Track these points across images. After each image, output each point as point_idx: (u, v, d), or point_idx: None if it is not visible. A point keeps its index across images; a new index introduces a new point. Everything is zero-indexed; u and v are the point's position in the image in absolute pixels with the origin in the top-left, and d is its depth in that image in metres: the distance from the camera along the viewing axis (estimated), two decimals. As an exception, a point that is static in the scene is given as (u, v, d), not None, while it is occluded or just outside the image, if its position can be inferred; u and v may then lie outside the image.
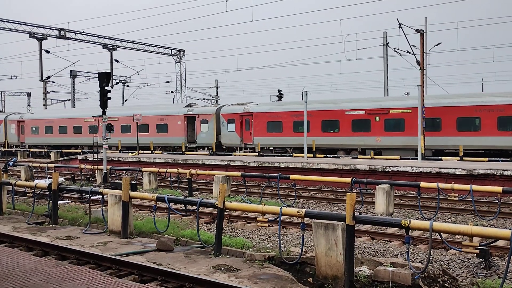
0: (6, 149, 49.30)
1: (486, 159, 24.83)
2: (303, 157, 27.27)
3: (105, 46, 50.80)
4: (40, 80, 49.86)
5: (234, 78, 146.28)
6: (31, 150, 47.20)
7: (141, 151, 34.23)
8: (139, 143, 33.67)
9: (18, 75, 67.25)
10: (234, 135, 35.48)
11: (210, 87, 64.30)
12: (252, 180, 24.19)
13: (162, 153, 35.78)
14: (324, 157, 29.05)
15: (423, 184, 15.62)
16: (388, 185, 15.83)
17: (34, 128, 47.35)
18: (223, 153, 34.39)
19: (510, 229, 7.59)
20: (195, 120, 37.31)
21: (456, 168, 20.02)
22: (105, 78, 20.55)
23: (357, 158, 27.91)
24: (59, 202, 15.58)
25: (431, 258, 9.38)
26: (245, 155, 31.23)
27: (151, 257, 10.16)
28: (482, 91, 49.72)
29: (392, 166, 21.50)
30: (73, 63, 52.38)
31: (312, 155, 28.98)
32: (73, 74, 57.89)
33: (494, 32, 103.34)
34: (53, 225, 14.08)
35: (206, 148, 36.83)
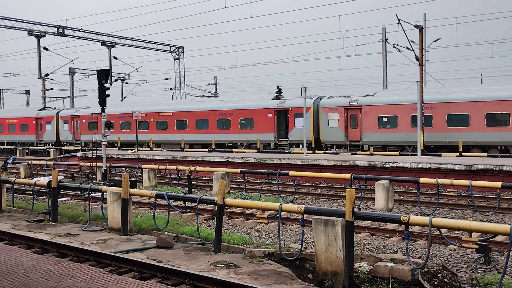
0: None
1: (485, 154, 24.85)
2: (303, 153, 27.26)
3: (103, 43, 50.72)
4: (38, 78, 49.73)
5: (233, 75, 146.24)
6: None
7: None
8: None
9: (16, 72, 67.04)
10: None
11: (209, 84, 64.40)
12: (251, 177, 24.20)
13: (161, 149, 35.73)
14: (324, 153, 29.05)
15: (422, 180, 15.65)
16: (388, 181, 15.85)
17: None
18: (222, 149, 34.10)
19: (509, 224, 7.60)
20: None
21: (455, 164, 20.05)
22: (104, 75, 20.51)
23: (356, 154, 27.91)
24: (58, 199, 15.58)
25: (430, 253, 9.39)
26: (245, 152, 31.16)
27: (151, 254, 10.17)
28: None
29: (391, 162, 21.51)
30: (72, 61, 52.29)
31: (311, 151, 28.97)
32: (71, 72, 57.81)
33: (493, 27, 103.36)
34: (53, 223, 14.08)
35: None
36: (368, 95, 30.77)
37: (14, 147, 47.52)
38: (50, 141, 46.59)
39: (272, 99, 34.24)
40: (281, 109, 32.91)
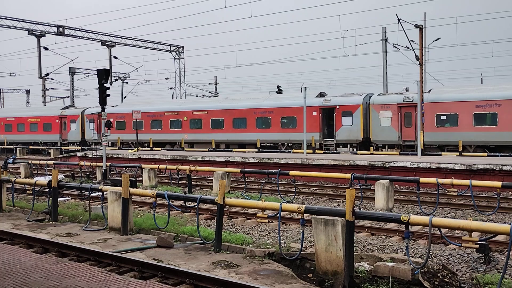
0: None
1: (485, 154, 24.86)
2: (303, 153, 27.27)
3: (103, 42, 50.74)
4: (39, 77, 49.75)
5: (233, 74, 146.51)
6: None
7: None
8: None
9: (16, 72, 67.16)
10: None
11: (209, 84, 64.35)
12: (251, 176, 24.21)
13: (161, 149, 35.70)
14: (324, 152, 29.04)
15: (422, 180, 15.66)
16: (388, 180, 15.85)
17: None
18: (222, 149, 33.99)
19: (510, 224, 7.60)
20: None
21: (455, 163, 20.05)
22: (104, 75, 20.52)
23: (356, 153, 27.90)
24: (59, 199, 15.59)
25: (430, 253, 9.40)
26: (245, 151, 31.13)
27: (151, 253, 10.18)
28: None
29: (391, 162, 21.51)
30: (72, 60, 52.31)
31: (311, 151, 28.95)
32: (72, 71, 57.83)
33: (493, 27, 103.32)
34: (53, 222, 14.09)
35: None
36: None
37: (14, 146, 47.17)
38: (74, 141, 44.75)
39: (316, 96, 32.59)
40: (327, 107, 31.33)
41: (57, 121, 45.92)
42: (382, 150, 29.48)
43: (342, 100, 31.08)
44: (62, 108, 47.41)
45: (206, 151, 32.51)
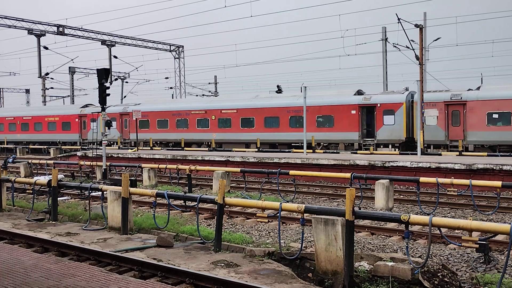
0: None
1: (485, 154, 24.84)
2: (303, 152, 27.26)
3: (103, 42, 50.76)
4: (38, 77, 49.82)
5: (233, 74, 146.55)
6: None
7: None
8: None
9: (16, 71, 67.34)
10: None
11: (209, 83, 64.36)
12: (251, 176, 24.19)
13: (161, 149, 35.67)
14: (324, 152, 29.03)
15: (422, 179, 15.65)
16: (388, 180, 15.84)
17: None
18: (222, 149, 33.84)
19: (509, 223, 7.60)
20: None
21: (455, 163, 20.04)
22: (104, 75, 20.52)
23: (356, 153, 27.88)
24: (58, 198, 15.59)
25: (430, 252, 9.39)
26: (245, 151, 31.10)
27: (151, 253, 10.18)
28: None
29: (391, 161, 21.51)
30: (72, 60, 52.34)
31: (311, 150, 28.93)
32: (72, 71, 57.90)
33: (493, 26, 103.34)
34: (53, 222, 14.09)
35: None
36: (470, 89, 28.17)
37: (14, 146, 46.92)
38: (94, 140, 42.03)
39: (354, 94, 31.48)
40: (366, 105, 30.15)
41: (77, 120, 44.56)
42: (427, 150, 28.08)
43: (384, 98, 29.99)
44: (82, 107, 45.86)
45: (254, 151, 31.47)
